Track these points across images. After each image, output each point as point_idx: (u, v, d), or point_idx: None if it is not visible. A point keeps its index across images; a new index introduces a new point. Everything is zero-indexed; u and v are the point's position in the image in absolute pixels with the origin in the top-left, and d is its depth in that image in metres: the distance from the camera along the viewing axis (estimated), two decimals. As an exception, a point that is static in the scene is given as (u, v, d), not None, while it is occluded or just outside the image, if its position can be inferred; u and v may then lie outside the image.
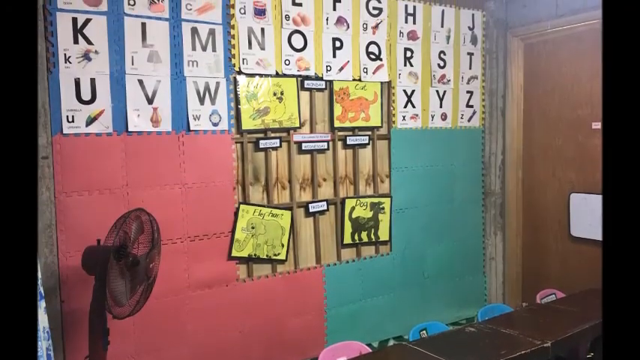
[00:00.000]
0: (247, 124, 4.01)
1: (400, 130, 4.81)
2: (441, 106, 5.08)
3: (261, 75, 4.06)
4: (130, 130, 3.55)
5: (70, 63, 3.34)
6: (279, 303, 4.24)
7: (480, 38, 5.31)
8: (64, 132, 3.33)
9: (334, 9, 4.37)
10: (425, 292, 5.06)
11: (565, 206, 5.02)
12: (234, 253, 4.00)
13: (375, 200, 4.70)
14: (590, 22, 4.65)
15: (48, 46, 3.27)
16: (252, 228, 4.06)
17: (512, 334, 3.23)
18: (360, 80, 4.55)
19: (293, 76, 4.21)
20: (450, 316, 5.18)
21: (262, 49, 4.05)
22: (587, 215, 4.82)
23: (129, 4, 3.51)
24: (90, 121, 3.42)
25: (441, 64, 5.05)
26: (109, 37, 3.46)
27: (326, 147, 4.42)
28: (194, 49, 3.77)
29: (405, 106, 4.83)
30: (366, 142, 4.63)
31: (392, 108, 4.76)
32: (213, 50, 3.85)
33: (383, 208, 4.74)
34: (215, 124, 3.86)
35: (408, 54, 4.83)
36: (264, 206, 4.13)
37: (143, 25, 3.57)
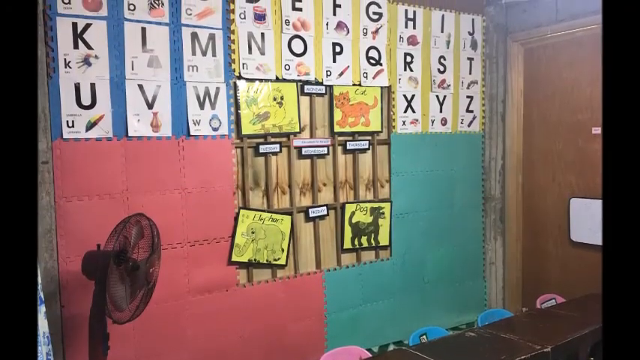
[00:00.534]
0: (247, 129, 4.01)
1: (400, 135, 4.82)
2: (441, 111, 5.08)
3: (261, 80, 4.06)
4: (130, 135, 3.55)
5: (70, 68, 3.34)
6: (279, 308, 4.23)
7: (480, 43, 5.32)
8: (64, 137, 3.33)
9: (334, 14, 4.38)
10: (425, 297, 5.05)
11: (565, 211, 5.02)
12: (234, 258, 4.00)
13: (375, 205, 4.70)
14: (590, 26, 4.66)
15: (48, 51, 3.27)
16: (252, 233, 4.06)
17: (512, 339, 3.23)
18: (360, 85, 4.55)
19: (293, 81, 4.21)
20: (450, 321, 5.18)
21: (262, 54, 4.06)
22: (587, 220, 4.82)
23: (129, 9, 3.51)
24: (90, 126, 3.42)
25: (441, 69, 5.05)
26: (109, 42, 3.46)
27: (326, 152, 4.42)
28: (194, 54, 3.77)
29: (405, 111, 4.84)
30: (366, 147, 4.63)
31: (392, 113, 4.76)
32: (213, 55, 3.85)
33: (383, 213, 4.73)
34: (215, 129, 3.86)
35: (408, 59, 4.83)
36: (264, 211, 4.13)
37: (143, 29, 3.58)
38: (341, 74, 4.44)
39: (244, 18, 3.97)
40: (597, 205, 4.70)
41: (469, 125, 5.31)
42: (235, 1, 3.92)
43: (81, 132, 3.39)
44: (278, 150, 4.18)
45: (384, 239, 4.76)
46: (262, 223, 4.10)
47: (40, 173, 3.23)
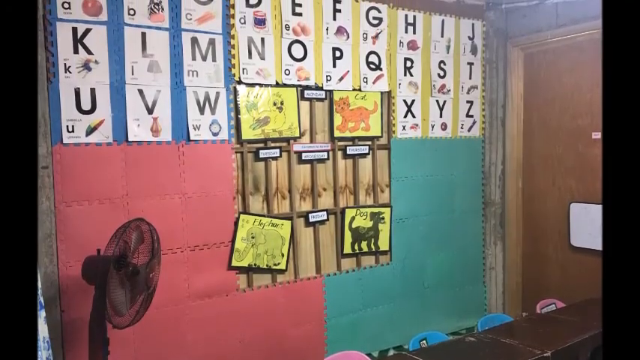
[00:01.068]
0: (247, 133, 4.02)
1: (400, 140, 4.82)
2: (441, 116, 5.09)
3: (261, 85, 4.07)
4: (130, 139, 3.55)
5: (70, 73, 3.34)
6: (279, 313, 4.23)
7: (480, 48, 5.32)
8: (64, 142, 3.34)
9: (334, 19, 4.39)
10: (425, 301, 5.05)
11: (565, 216, 5.02)
12: (234, 263, 4.00)
13: (375, 210, 4.70)
14: (590, 31, 4.67)
15: (48, 56, 3.28)
16: (252, 238, 4.06)
17: (512, 344, 3.23)
18: (360, 90, 4.56)
19: (293, 85, 4.22)
20: (450, 326, 5.17)
21: (262, 58, 4.06)
22: (587, 225, 4.82)
23: (129, 13, 3.52)
24: (90, 130, 3.42)
25: (441, 73, 5.06)
26: (109, 47, 3.46)
27: (326, 157, 4.43)
28: (194, 58, 3.78)
29: (405, 116, 4.84)
30: (366, 151, 4.63)
31: (392, 118, 4.76)
32: (213, 60, 3.85)
33: (383, 218, 4.73)
34: (215, 134, 3.87)
35: (408, 64, 4.84)
36: (264, 216, 4.13)
37: (143, 34, 3.58)
38: (341, 79, 4.44)
39: (244, 23, 3.97)
40: (597, 209, 4.69)
41: (469, 130, 5.31)
42: (235, 6, 3.92)
43: (81, 137, 3.39)
44: (278, 155, 4.18)
45: (384, 244, 4.76)
46: (262, 228, 4.10)
47: (40, 178, 3.23)
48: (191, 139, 3.77)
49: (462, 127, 5.25)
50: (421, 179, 4.99)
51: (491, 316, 4.47)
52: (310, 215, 4.37)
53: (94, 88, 3.42)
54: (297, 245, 4.33)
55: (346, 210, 4.55)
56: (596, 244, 4.72)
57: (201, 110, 3.81)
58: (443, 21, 5.03)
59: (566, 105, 4.98)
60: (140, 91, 3.59)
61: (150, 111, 3.62)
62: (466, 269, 5.37)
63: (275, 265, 4.19)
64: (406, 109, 4.84)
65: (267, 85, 4.09)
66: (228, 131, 3.92)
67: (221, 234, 3.95)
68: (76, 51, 3.36)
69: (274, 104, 4.13)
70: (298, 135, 4.26)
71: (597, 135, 4.73)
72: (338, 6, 4.40)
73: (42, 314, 2.66)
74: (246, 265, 4.05)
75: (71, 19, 3.33)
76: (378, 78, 4.65)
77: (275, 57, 4.12)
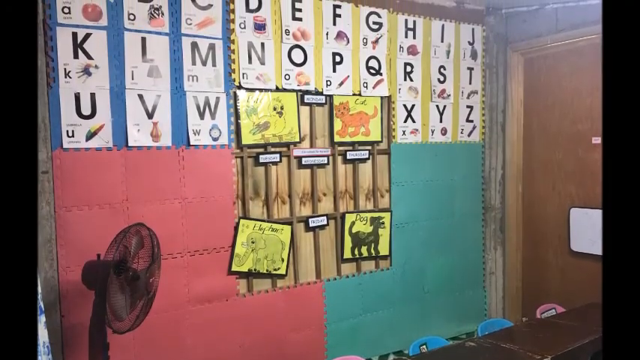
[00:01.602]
0: (247, 138, 4.02)
1: (400, 145, 4.82)
2: (441, 121, 5.09)
3: (261, 90, 4.07)
4: (130, 144, 3.56)
5: (70, 78, 3.35)
6: (279, 318, 4.22)
7: (480, 53, 5.32)
8: (64, 147, 3.34)
9: (334, 24, 4.39)
10: (425, 306, 5.04)
11: (565, 221, 5.01)
12: (234, 268, 3.99)
13: (375, 215, 4.70)
14: (590, 36, 4.67)
15: (48, 61, 3.28)
16: (252, 242, 4.06)
17: (512, 349, 3.22)
18: (360, 95, 4.56)
19: (293, 90, 4.22)
20: (450, 331, 5.17)
21: (262, 63, 4.06)
22: (587, 230, 4.82)
23: (129, 18, 3.52)
24: (90, 135, 3.42)
25: (441, 78, 5.06)
26: (109, 52, 3.47)
27: (326, 162, 4.43)
28: (194, 63, 3.78)
29: (405, 121, 4.84)
30: (366, 156, 4.64)
31: (392, 123, 4.76)
32: (213, 65, 3.86)
33: (383, 223, 4.73)
34: (215, 139, 3.87)
35: (408, 69, 4.84)
36: (264, 221, 4.13)
37: (143, 39, 3.59)
38: (341, 84, 4.45)
39: (244, 28, 3.98)
40: (597, 214, 4.69)
41: (469, 135, 5.31)
42: (235, 11, 3.93)
43: (81, 142, 3.39)
44: (278, 160, 4.18)
45: (384, 249, 4.76)
46: (262, 233, 4.10)
47: (40, 183, 3.23)
48: (191, 144, 3.77)
49: (462, 132, 5.25)
50: (421, 184, 4.99)
51: (491, 320, 4.47)
52: (310, 220, 4.37)
53: (94, 93, 3.43)
54: (297, 250, 4.33)
55: (346, 215, 4.55)
56: (596, 249, 4.72)
57: (201, 115, 3.81)
58: (443, 26, 5.03)
59: (566, 110, 4.99)
60: (140, 96, 3.59)
61: (150, 116, 3.62)
62: (466, 274, 5.37)
63: (275, 270, 4.19)
64: (406, 113, 4.85)
65: (267, 90, 4.10)
66: (228, 136, 3.92)
67: (221, 239, 3.95)
68: (76, 56, 3.36)
69: (274, 109, 4.13)
70: (298, 140, 4.26)
71: (597, 140, 4.73)
72: (338, 11, 4.40)
73: (42, 319, 2.66)
74: (246, 270, 4.05)
75: (71, 23, 3.33)
76: (378, 83, 4.65)
77: (275, 62, 4.13)
